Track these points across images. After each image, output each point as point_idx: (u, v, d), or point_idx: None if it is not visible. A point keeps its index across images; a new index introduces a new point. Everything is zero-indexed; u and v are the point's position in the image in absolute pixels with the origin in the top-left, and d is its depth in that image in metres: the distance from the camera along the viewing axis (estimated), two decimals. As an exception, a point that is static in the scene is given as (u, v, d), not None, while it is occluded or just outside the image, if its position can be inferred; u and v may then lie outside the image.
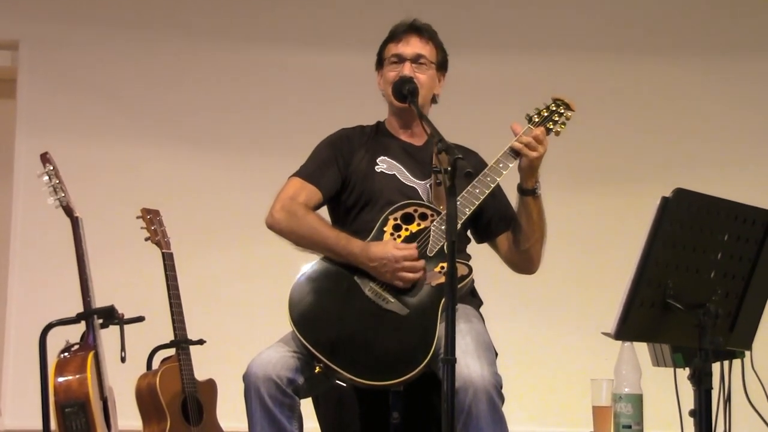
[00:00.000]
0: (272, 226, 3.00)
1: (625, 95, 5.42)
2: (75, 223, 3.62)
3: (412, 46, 3.11)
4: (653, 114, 5.41)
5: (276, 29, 5.41)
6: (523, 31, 5.44)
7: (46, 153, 3.68)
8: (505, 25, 5.46)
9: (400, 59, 3.10)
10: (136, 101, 5.32)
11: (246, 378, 2.75)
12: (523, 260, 3.08)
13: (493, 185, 2.93)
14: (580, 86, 5.10)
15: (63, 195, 3.62)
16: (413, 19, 3.16)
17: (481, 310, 3.07)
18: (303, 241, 2.98)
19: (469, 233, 3.14)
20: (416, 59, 3.10)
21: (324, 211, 3.15)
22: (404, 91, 2.99)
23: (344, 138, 3.16)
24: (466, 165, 2.45)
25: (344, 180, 3.09)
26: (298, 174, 3.09)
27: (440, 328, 2.72)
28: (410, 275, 2.82)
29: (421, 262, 2.83)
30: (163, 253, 3.86)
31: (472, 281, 3.00)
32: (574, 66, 5.30)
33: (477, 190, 2.90)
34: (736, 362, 2.90)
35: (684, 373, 2.53)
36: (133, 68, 5.33)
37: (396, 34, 3.15)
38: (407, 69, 3.07)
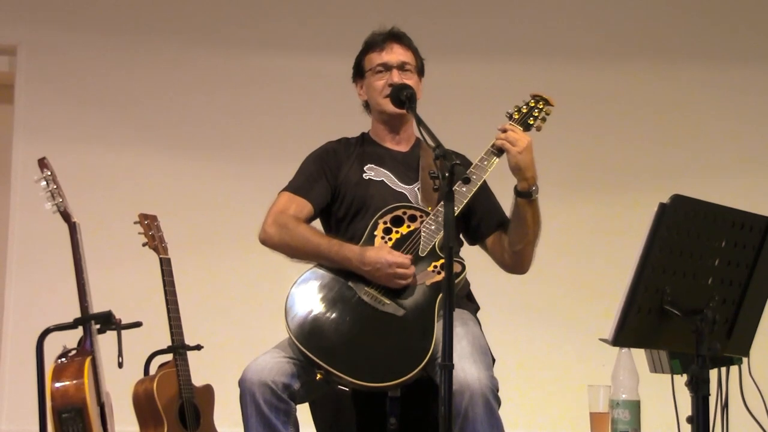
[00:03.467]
0: (265, 241, 3.03)
1: (623, 102, 5.42)
2: (72, 228, 3.61)
3: (396, 53, 3.14)
4: (651, 120, 5.41)
5: (276, 35, 5.41)
6: (517, 37, 5.44)
7: (43, 158, 3.68)
8: (500, 30, 5.45)
9: (387, 68, 3.13)
10: (134, 107, 5.32)
11: (241, 383, 2.75)
12: (515, 261, 3.09)
13: (479, 183, 2.95)
14: (577, 93, 5.13)
15: (60, 200, 3.61)
16: (391, 27, 3.19)
17: (479, 315, 3.07)
18: (297, 252, 2.99)
19: (461, 236, 3.16)
20: (402, 66, 3.13)
21: (317, 224, 3.15)
22: (402, 97, 2.99)
23: (330, 151, 3.19)
24: (463, 171, 2.49)
25: (333, 191, 3.12)
26: (287, 189, 3.11)
27: (438, 327, 2.72)
28: (402, 282, 2.83)
29: (412, 269, 2.85)
30: (160, 259, 3.86)
31: (467, 280, 3.02)
32: (569, 72, 5.30)
33: (464, 189, 2.92)
34: (734, 369, 2.90)
35: (681, 379, 2.53)
36: (131, 74, 5.32)
37: (376, 44, 3.17)
38: (396, 76, 3.10)
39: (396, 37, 3.17)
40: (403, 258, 2.85)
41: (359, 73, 3.20)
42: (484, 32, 5.43)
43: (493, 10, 5.47)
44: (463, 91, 5.22)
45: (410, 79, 3.11)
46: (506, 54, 5.41)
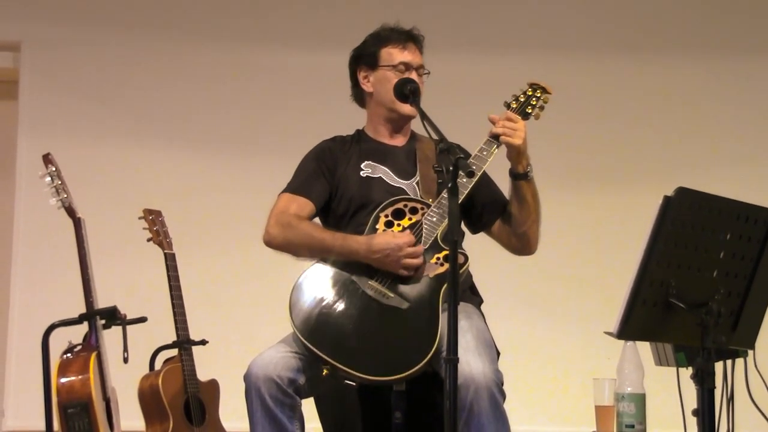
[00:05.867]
0: (270, 243, 3.04)
1: (627, 94, 5.40)
2: (77, 224, 3.62)
3: (417, 55, 3.17)
4: (655, 113, 5.40)
5: (277, 30, 5.41)
6: (519, 30, 5.43)
7: (48, 154, 3.68)
8: (501, 22, 5.44)
9: (407, 68, 3.14)
10: (138, 102, 5.32)
11: (247, 378, 2.76)
12: (522, 243, 3.10)
13: (479, 173, 2.95)
14: (578, 85, 5.12)
15: (65, 196, 3.62)
16: (412, 27, 3.20)
17: (483, 308, 3.08)
18: (301, 250, 3.00)
19: (462, 225, 3.15)
20: (418, 68, 3.15)
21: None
22: (406, 91, 3.00)
23: (326, 150, 3.20)
24: (467, 165, 2.48)
25: (332, 189, 3.12)
26: (286, 190, 3.12)
27: (442, 319, 2.73)
28: (414, 261, 2.84)
29: (421, 248, 2.86)
30: (165, 254, 3.86)
31: (469, 273, 3.02)
32: (570, 65, 5.28)
33: (464, 179, 2.92)
34: (739, 361, 2.90)
35: (687, 372, 2.53)
36: (134, 69, 5.32)
37: (398, 40, 3.17)
38: (414, 77, 3.11)
39: (416, 39, 3.19)
40: (409, 236, 2.86)
41: (370, 63, 3.19)
42: (485, 24, 5.41)
43: (494, 2, 5.46)
44: (464, 84, 5.20)
45: (422, 83, 3.13)
46: (507, 46, 5.39)
